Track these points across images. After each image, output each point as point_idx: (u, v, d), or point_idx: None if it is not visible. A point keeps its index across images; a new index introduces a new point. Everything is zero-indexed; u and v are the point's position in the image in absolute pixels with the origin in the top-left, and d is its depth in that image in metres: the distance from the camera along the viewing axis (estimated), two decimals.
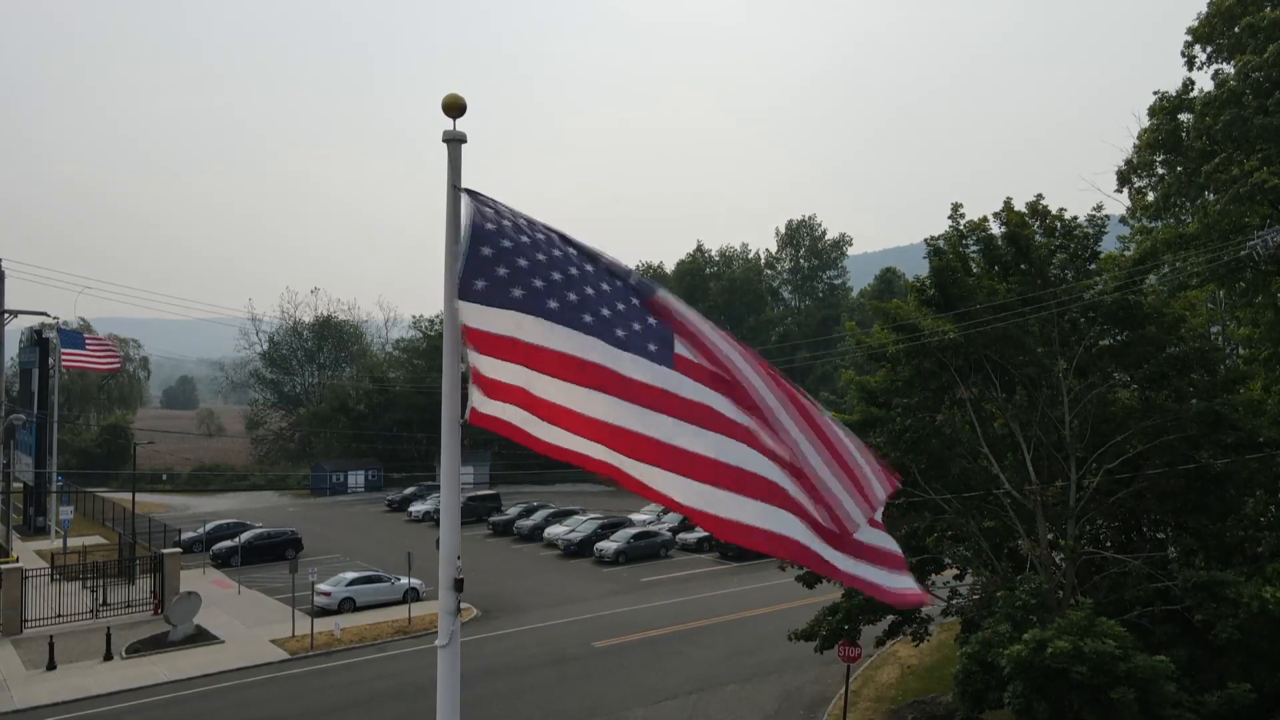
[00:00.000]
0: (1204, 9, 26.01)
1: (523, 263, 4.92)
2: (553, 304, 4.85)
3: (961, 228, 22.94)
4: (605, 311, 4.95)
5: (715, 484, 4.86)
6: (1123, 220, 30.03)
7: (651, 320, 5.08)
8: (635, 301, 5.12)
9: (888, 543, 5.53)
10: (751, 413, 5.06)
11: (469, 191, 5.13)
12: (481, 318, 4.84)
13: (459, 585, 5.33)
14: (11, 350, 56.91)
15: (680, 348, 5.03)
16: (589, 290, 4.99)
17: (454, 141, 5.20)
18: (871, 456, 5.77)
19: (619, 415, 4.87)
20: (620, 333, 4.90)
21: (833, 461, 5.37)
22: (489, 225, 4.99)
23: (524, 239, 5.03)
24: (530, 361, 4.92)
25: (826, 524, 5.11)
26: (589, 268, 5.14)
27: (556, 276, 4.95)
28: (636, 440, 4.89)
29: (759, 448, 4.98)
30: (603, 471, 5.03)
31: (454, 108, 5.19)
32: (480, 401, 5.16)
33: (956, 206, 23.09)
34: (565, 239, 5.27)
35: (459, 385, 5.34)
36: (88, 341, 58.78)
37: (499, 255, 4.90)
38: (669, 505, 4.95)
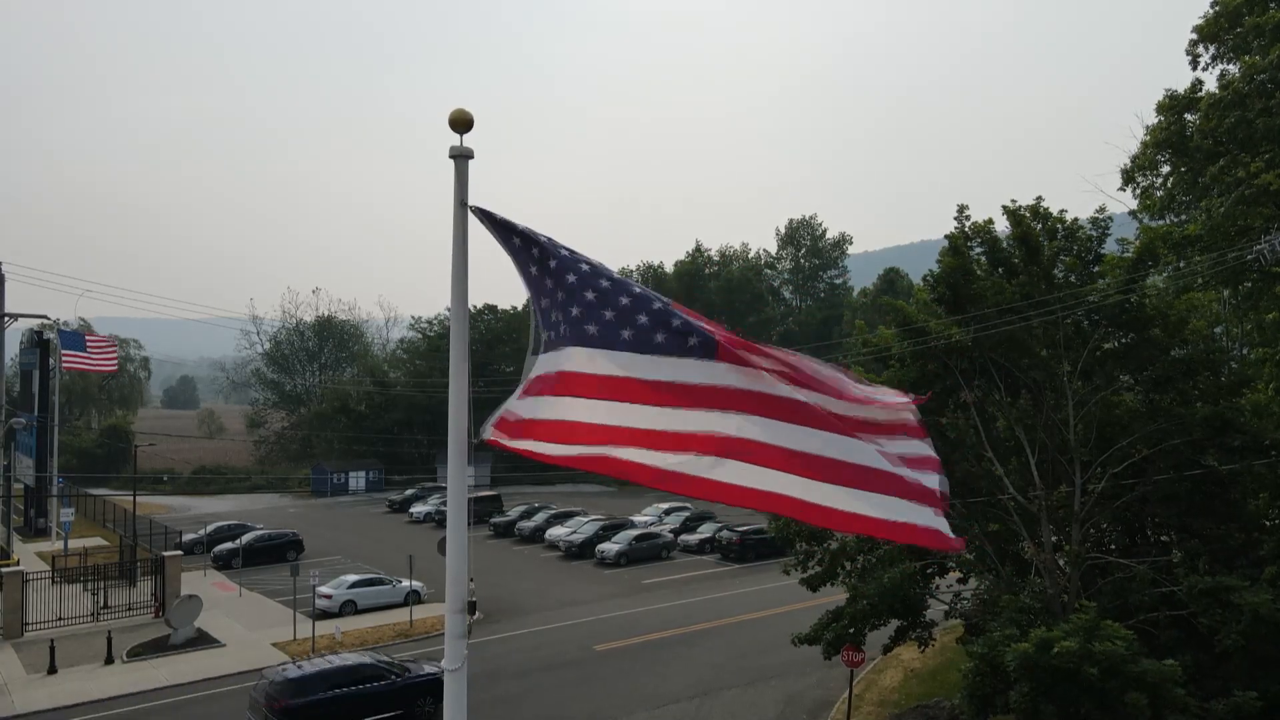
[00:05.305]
0: (1208, 8, 25.95)
1: (560, 296, 5.17)
2: (592, 329, 4.99)
3: (967, 229, 22.84)
4: (643, 319, 5.01)
5: (787, 471, 4.81)
6: (1132, 214, 29.90)
7: (682, 319, 5.14)
8: (660, 304, 5.18)
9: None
10: (801, 386, 5.05)
11: (478, 211, 5.04)
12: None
13: (472, 608, 5.53)
14: (12, 352, 56.84)
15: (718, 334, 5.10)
16: (624, 300, 5.04)
17: (461, 158, 5.10)
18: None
19: (668, 421, 4.92)
20: (660, 338, 4.97)
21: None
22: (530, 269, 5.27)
23: (551, 263, 5.16)
24: (574, 391, 5.07)
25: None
26: (613, 282, 5.22)
27: (590, 296, 5.04)
28: (685, 438, 4.90)
29: (816, 423, 4.90)
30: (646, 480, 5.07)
31: (460, 123, 5.07)
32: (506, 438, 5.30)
33: (962, 208, 23.01)
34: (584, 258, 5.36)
35: (465, 404, 5.26)
36: (87, 341, 58.70)
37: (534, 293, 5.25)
38: (734, 501, 4.91)
